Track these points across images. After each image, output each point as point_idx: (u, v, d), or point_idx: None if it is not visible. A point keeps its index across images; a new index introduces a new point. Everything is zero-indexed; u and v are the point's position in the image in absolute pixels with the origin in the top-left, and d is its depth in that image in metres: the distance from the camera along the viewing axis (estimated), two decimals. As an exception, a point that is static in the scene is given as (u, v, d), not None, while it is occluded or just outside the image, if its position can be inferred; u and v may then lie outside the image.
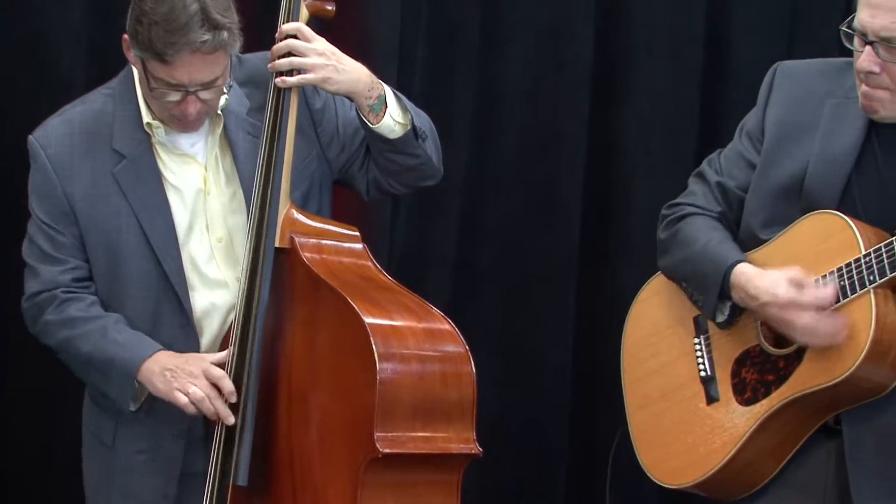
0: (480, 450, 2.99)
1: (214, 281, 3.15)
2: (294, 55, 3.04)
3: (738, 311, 3.01)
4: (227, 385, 2.99)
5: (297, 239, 3.07)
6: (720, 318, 3.03)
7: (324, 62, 3.04)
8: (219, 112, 3.08)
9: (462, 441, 3.00)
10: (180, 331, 3.11)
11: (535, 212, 4.12)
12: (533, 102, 4.19)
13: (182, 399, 3.00)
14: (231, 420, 3.00)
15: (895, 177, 2.91)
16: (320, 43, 3.05)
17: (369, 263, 3.11)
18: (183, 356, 3.06)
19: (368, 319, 2.91)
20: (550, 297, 4.17)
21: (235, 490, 3.03)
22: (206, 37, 2.89)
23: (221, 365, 3.04)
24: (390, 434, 2.93)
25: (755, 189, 3.02)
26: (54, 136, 3.09)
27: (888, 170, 2.92)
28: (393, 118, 3.09)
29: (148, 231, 3.09)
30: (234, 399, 3.00)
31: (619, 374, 3.30)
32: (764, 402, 2.97)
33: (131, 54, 3.02)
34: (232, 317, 3.12)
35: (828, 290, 2.87)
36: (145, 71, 3.00)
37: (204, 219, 3.14)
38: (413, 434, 2.95)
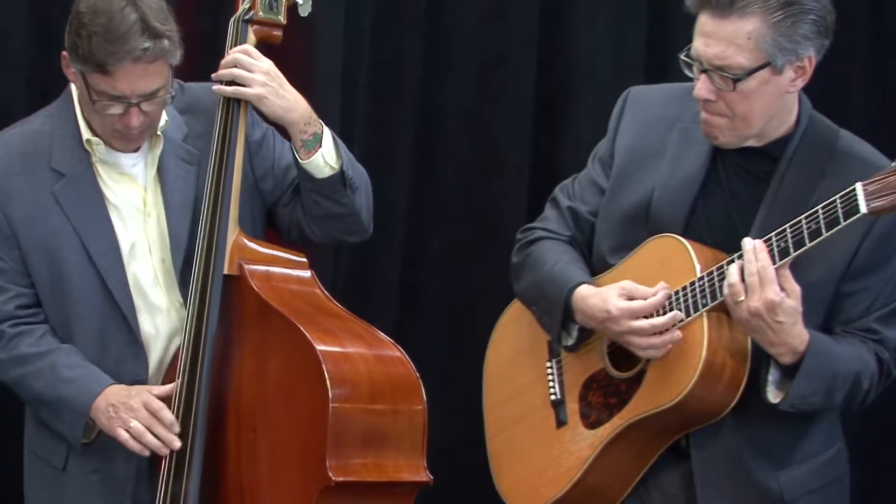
0: (431, 477, 2.99)
1: (157, 306, 3.15)
2: (239, 66, 3.06)
3: (585, 334, 3.06)
4: (167, 416, 2.99)
5: (245, 266, 3.07)
6: (568, 342, 3.09)
7: (265, 81, 3.05)
8: (158, 133, 3.08)
9: (413, 469, 3.00)
10: (128, 349, 3.10)
11: (478, 239, 4.12)
12: (476, 130, 4.21)
13: (123, 435, 3.00)
14: (177, 444, 2.98)
15: (739, 201, 2.96)
16: (266, 64, 3.07)
17: (318, 291, 3.11)
18: (128, 390, 3.05)
19: (320, 346, 2.91)
20: (494, 324, 3.98)
21: None
22: (147, 44, 2.91)
23: (167, 397, 3.04)
24: (342, 462, 2.92)
25: (604, 215, 3.07)
26: None
27: (733, 194, 2.97)
28: (324, 158, 3.09)
29: (91, 249, 3.08)
30: (176, 430, 2.99)
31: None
32: (607, 425, 3.01)
33: (71, 70, 3.01)
34: (176, 342, 3.12)
35: (658, 294, 2.91)
36: (87, 85, 2.99)
37: (146, 240, 3.13)
38: (365, 461, 2.95)
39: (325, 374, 2.90)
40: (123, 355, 3.11)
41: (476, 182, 4.20)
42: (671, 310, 2.88)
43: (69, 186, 3.09)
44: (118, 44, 2.92)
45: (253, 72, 3.06)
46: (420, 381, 3.02)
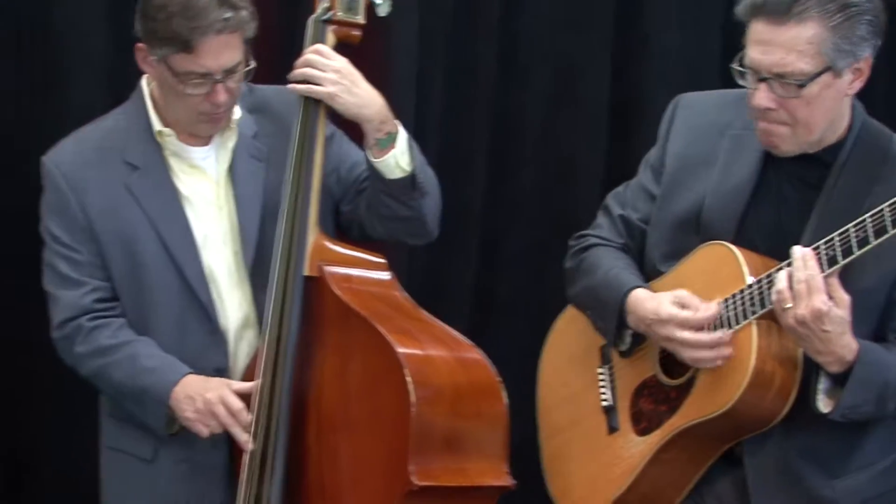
0: (513, 482, 2.97)
1: (230, 297, 3.17)
2: (312, 66, 3.09)
3: (638, 340, 3.05)
4: (244, 418, 3.01)
5: (325, 268, 3.07)
6: (622, 347, 3.08)
7: (337, 79, 3.07)
8: (232, 125, 3.12)
9: (495, 473, 2.99)
10: (209, 338, 3.13)
11: (553, 242, 3.97)
12: (550, 134, 4.21)
13: (203, 432, 3.04)
14: (250, 447, 3.00)
15: (791, 208, 2.94)
16: (339, 62, 3.09)
17: (397, 293, 3.12)
18: (207, 381, 3.07)
19: (401, 350, 2.90)
20: None
21: None
22: (228, 14, 2.95)
23: (246, 395, 3.05)
24: (425, 466, 2.91)
25: (655, 222, 3.07)
26: (67, 153, 3.13)
27: (784, 201, 2.95)
28: (396, 159, 3.10)
29: (166, 240, 3.11)
30: (250, 429, 3.02)
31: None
32: (657, 432, 3.01)
33: (150, 60, 3.04)
34: (247, 337, 3.15)
35: (711, 308, 2.90)
36: (170, 70, 3.02)
37: (219, 232, 3.16)
38: (447, 466, 2.94)
39: (407, 378, 2.89)
40: (203, 344, 3.13)
41: (551, 186, 4.20)
42: (723, 319, 2.89)
43: (143, 178, 3.12)
44: (199, 18, 2.95)
45: (325, 70, 3.07)
46: (501, 383, 3.01)
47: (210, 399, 3.03)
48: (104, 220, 3.11)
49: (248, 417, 3.01)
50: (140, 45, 3.04)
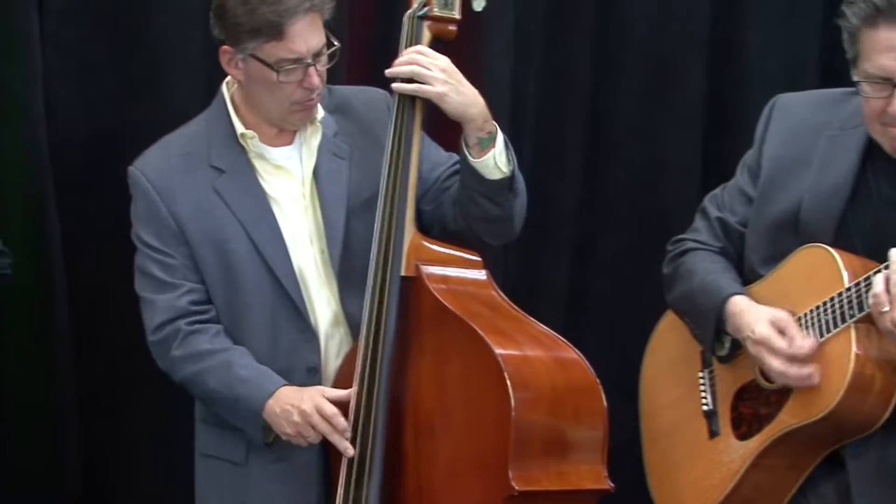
0: (612, 485, 2.96)
1: (318, 296, 3.18)
2: (416, 64, 3.08)
3: (737, 345, 3.04)
4: (340, 423, 3.01)
5: (422, 267, 3.06)
6: (721, 352, 3.07)
7: (444, 78, 3.07)
8: (317, 122, 3.14)
9: (594, 477, 2.96)
10: (301, 336, 3.14)
11: (648, 243, 4.01)
12: (646, 134, 4.21)
13: (301, 442, 3.05)
14: (350, 452, 3.00)
15: (890, 208, 2.92)
16: (444, 61, 3.09)
17: (494, 292, 3.10)
18: (300, 392, 3.07)
19: (499, 351, 2.88)
20: None
21: None
22: None
23: (341, 402, 3.05)
24: (524, 471, 2.88)
25: (753, 225, 3.06)
26: (153, 161, 3.17)
27: (883, 201, 2.93)
28: (495, 160, 3.10)
29: (256, 239, 3.13)
30: (348, 435, 3.01)
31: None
32: (757, 436, 3.00)
33: (236, 59, 3.07)
34: (336, 336, 3.16)
35: (805, 344, 2.90)
36: (262, 62, 3.03)
37: (306, 231, 3.17)
38: (547, 470, 2.91)
39: (507, 381, 2.86)
40: (295, 342, 3.14)
41: (646, 186, 4.21)
42: (822, 323, 2.88)
43: (230, 181, 3.15)
44: (284, 2, 2.98)
45: (431, 70, 3.07)
46: (599, 384, 2.99)
47: (305, 410, 3.03)
48: (194, 224, 3.14)
49: (344, 422, 3.01)
50: (224, 47, 3.07)
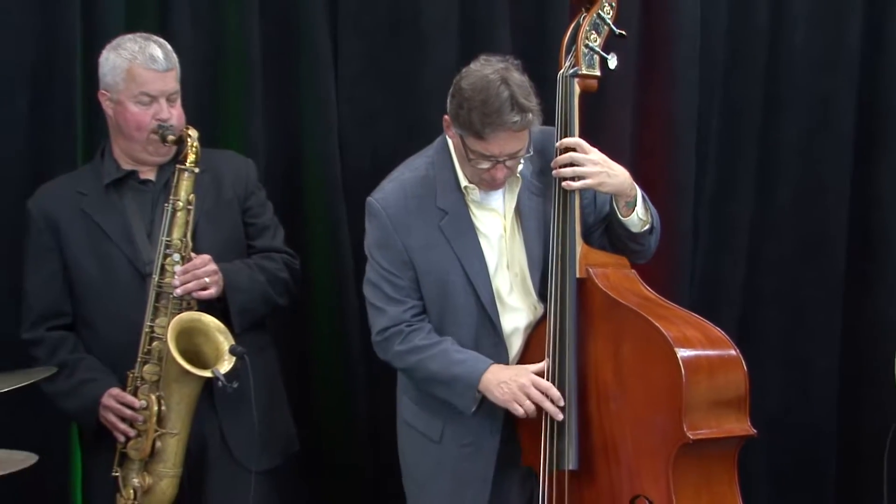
0: (755, 431, 3.20)
1: (514, 308, 3.36)
2: (575, 164, 3.26)
3: None
4: (555, 392, 3.24)
5: (591, 269, 3.30)
6: None
7: (599, 170, 3.25)
8: (517, 175, 3.30)
9: (741, 426, 3.23)
10: (494, 349, 3.34)
11: (806, 249, 4.39)
12: (806, 159, 4.43)
13: (518, 410, 3.25)
14: (560, 417, 3.23)
15: None
16: (595, 154, 3.27)
17: (642, 286, 3.32)
18: (511, 369, 3.28)
19: (668, 333, 3.14)
20: (820, 316, 4.44)
21: (561, 472, 3.29)
22: (517, 118, 3.11)
23: (540, 373, 3.26)
24: (694, 424, 3.14)
25: None
26: (391, 199, 3.32)
27: None
28: (638, 216, 3.31)
29: (468, 271, 3.31)
30: (562, 403, 3.22)
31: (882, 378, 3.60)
32: None
33: (451, 131, 3.23)
34: (519, 338, 3.36)
35: None
36: (464, 145, 3.19)
37: (505, 258, 3.34)
38: (709, 422, 3.16)
39: (679, 357, 3.11)
40: (489, 351, 3.33)
41: (806, 203, 4.44)
42: None
43: (451, 221, 3.30)
44: (493, 117, 3.10)
45: (587, 165, 3.25)
46: (740, 355, 3.19)
47: (524, 384, 3.22)
48: (421, 256, 3.31)
49: (558, 392, 3.22)
50: (447, 117, 3.23)
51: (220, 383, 3.34)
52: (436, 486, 3.41)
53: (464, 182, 3.27)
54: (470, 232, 3.31)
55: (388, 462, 3.68)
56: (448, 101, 3.20)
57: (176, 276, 3.42)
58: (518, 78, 3.16)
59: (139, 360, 3.46)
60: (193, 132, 3.44)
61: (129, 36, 3.52)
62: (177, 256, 3.45)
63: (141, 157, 3.52)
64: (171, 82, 3.47)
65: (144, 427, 3.45)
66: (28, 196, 3.66)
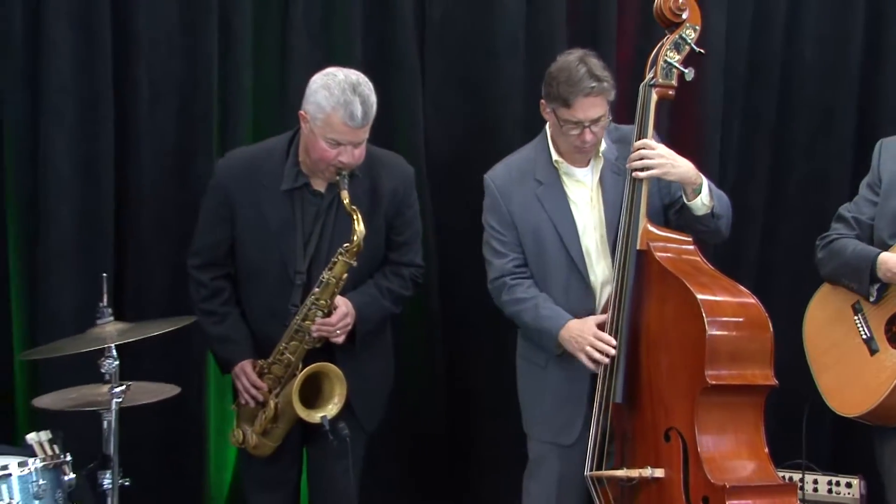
0: (776, 382, 3.55)
1: (599, 265, 3.83)
2: (645, 158, 3.74)
3: (883, 290, 3.59)
4: (608, 338, 3.73)
5: (651, 243, 3.74)
6: (871, 299, 3.62)
7: (663, 161, 3.73)
8: (600, 155, 3.78)
9: (764, 377, 3.61)
10: (584, 292, 3.82)
11: (812, 229, 4.38)
12: (811, 158, 4.90)
13: (583, 357, 3.75)
14: (612, 352, 3.70)
15: None
16: (662, 149, 3.74)
17: (698, 258, 3.74)
18: (581, 323, 3.76)
19: (700, 296, 3.54)
20: (820, 282, 4.21)
21: (614, 405, 3.76)
22: (593, 84, 3.62)
23: (601, 324, 3.72)
24: (715, 372, 3.54)
25: (879, 215, 3.67)
26: (498, 173, 3.89)
27: None
28: (702, 201, 3.72)
29: (560, 231, 3.80)
30: (613, 352, 3.71)
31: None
32: None
33: (547, 110, 3.72)
34: (608, 289, 3.78)
35: None
36: (557, 118, 3.67)
37: (592, 223, 3.82)
38: (731, 371, 3.55)
39: (703, 313, 3.50)
40: (580, 297, 3.83)
41: (810, 192, 4.88)
42: None
43: (546, 190, 3.82)
44: (575, 86, 3.63)
45: (654, 158, 3.71)
46: (768, 318, 3.56)
47: (588, 339, 3.71)
48: (521, 218, 3.83)
49: (609, 338, 3.68)
50: (543, 101, 3.74)
51: (324, 429, 3.78)
52: (544, 402, 3.88)
53: (555, 157, 3.74)
54: (562, 199, 3.78)
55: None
56: (542, 88, 3.70)
57: (314, 326, 3.82)
58: (594, 61, 3.68)
59: (271, 360, 3.90)
60: (360, 228, 3.70)
61: (342, 77, 3.71)
62: (320, 314, 3.82)
63: (317, 173, 3.86)
64: (362, 135, 3.73)
65: (260, 410, 3.88)
66: (175, 182, 4.24)
